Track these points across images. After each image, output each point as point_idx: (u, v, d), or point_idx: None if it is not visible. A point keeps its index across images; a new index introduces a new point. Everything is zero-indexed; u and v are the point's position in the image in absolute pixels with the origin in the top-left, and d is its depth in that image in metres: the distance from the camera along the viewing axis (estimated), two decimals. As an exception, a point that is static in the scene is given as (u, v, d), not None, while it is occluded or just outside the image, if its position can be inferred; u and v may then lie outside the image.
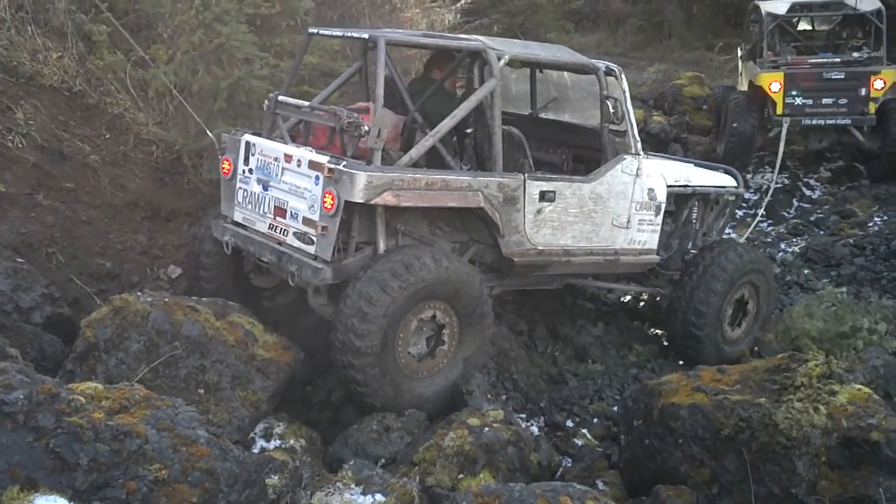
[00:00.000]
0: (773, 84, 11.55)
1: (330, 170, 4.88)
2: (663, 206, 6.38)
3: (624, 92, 6.08)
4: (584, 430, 5.75)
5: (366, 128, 4.96)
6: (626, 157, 6.06)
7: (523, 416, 5.71)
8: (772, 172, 11.52)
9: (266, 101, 5.73)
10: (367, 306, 4.80)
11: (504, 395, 5.74)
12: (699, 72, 15.90)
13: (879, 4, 11.89)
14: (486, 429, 4.64)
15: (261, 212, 5.41)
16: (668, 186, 6.44)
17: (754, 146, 12.13)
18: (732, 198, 7.31)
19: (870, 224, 10.25)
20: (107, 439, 3.31)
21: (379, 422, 4.89)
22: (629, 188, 6.09)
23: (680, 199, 6.76)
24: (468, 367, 5.33)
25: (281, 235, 5.26)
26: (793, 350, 6.29)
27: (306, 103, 5.66)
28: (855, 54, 11.98)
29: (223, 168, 5.69)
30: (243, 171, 5.53)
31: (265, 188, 5.37)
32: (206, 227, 5.85)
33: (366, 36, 5.52)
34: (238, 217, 5.60)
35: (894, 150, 11.54)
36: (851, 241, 9.64)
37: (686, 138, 13.27)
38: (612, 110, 5.92)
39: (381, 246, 5.12)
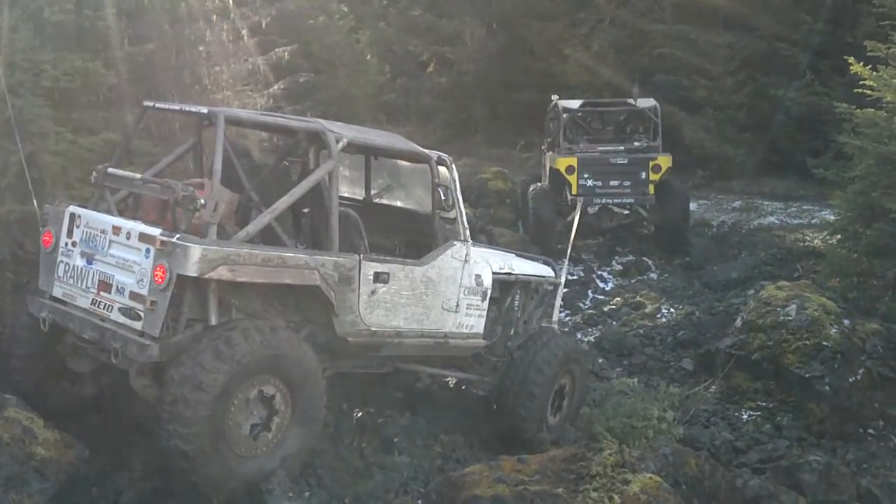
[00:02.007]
0: (568, 167, 13.12)
1: (162, 242, 4.77)
2: (489, 292, 6.62)
3: (454, 181, 6.38)
4: (389, 527, 5.64)
5: (202, 201, 4.90)
6: (455, 243, 6.29)
7: (327, 513, 5.54)
8: (570, 264, 12.27)
9: (94, 174, 5.62)
10: (225, 346, 4.73)
11: (307, 492, 5.54)
12: (503, 167, 16.82)
13: (654, 102, 13.93)
14: (285, 530, 4.46)
15: (83, 286, 5.21)
16: (494, 273, 6.71)
17: (555, 229, 13.29)
18: (550, 287, 7.69)
19: (658, 316, 10.97)
20: None
21: (169, 527, 4.59)
22: (458, 273, 6.30)
23: (504, 286, 7.02)
24: (281, 466, 5.17)
25: (104, 311, 5.07)
26: (589, 439, 6.57)
27: (138, 176, 5.58)
28: (636, 143, 13.84)
29: (44, 240, 5.49)
30: (66, 244, 5.35)
31: (89, 262, 5.20)
32: (21, 304, 5.57)
33: (205, 111, 5.54)
34: (58, 292, 5.38)
35: (672, 225, 13.34)
36: (641, 331, 10.28)
37: (491, 229, 13.81)
38: (442, 198, 6.17)
39: (213, 322, 4.99)
